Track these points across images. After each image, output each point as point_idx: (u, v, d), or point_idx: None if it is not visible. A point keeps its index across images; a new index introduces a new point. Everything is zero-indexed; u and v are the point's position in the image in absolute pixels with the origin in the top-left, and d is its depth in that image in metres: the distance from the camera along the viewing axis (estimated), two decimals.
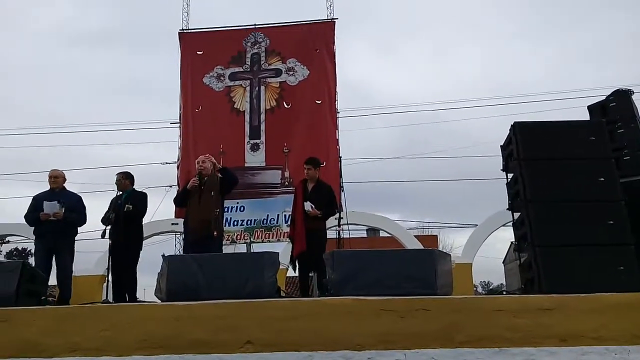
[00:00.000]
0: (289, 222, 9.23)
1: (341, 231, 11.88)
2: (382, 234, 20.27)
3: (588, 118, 6.03)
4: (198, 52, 13.32)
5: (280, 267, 6.02)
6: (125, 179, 7.18)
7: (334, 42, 12.92)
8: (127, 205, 6.87)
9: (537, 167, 4.87)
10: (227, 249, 11.53)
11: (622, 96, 5.94)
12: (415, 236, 18.40)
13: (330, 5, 13.18)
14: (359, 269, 4.34)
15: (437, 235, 30.24)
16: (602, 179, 4.86)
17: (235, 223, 11.91)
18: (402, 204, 51.18)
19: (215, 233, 6.24)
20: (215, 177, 6.66)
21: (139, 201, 7.06)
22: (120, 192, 7.06)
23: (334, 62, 12.83)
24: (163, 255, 4.60)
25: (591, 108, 6.08)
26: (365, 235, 26.86)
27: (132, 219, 6.88)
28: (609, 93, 6.13)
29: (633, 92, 6.12)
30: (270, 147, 12.48)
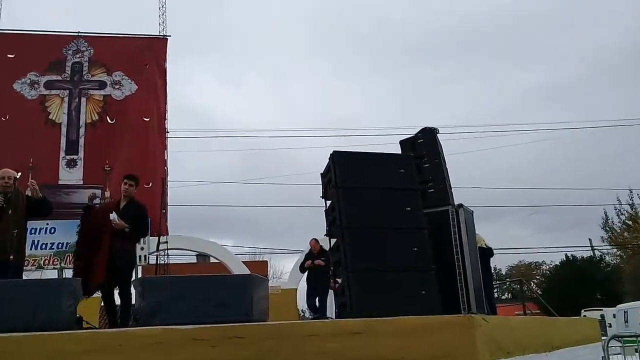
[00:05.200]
0: None
1: (164, 256, 11.37)
2: (213, 259, 19.87)
3: (400, 152, 6.53)
4: (9, 55, 11.97)
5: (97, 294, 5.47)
6: None
7: (165, 59, 12.48)
8: None
9: (351, 195, 5.10)
10: (33, 275, 10.32)
11: (429, 134, 6.52)
12: (245, 262, 18.34)
13: (163, 22, 12.79)
14: (172, 297, 4.10)
15: (267, 261, 30.45)
16: (408, 208, 5.25)
17: (44, 246, 10.69)
18: (237, 229, 50.85)
19: (11, 257, 5.49)
20: (18, 194, 5.89)
21: None
22: None
23: (165, 79, 12.39)
24: None
25: (403, 143, 6.58)
26: (195, 261, 26.06)
27: None
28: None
29: (439, 131, 6.76)
30: (89, 164, 11.53)
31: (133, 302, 5.61)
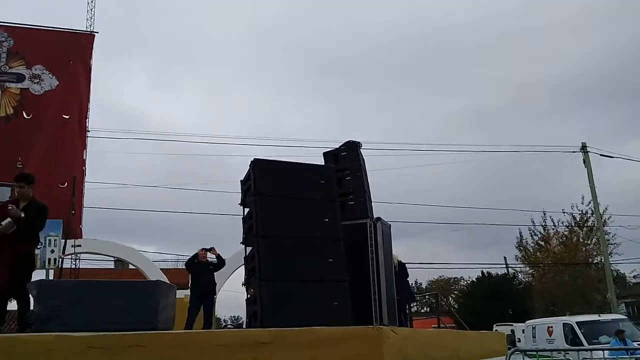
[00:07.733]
0: None
1: (75, 260, 10.84)
2: (132, 266, 19.17)
3: (323, 163, 6.55)
4: None
5: None
6: None
7: (91, 56, 11.99)
8: None
9: (269, 203, 5.05)
10: None
11: (352, 147, 6.59)
12: (166, 269, 17.78)
13: (91, 17, 12.30)
14: (70, 302, 3.88)
15: None
16: (326, 219, 5.26)
17: None
18: (162, 235, 49.28)
19: None
20: None
21: None
22: None
23: (89, 76, 11.88)
24: None
25: (326, 155, 6.62)
26: (113, 267, 25.04)
27: None
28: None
29: (362, 145, 6.84)
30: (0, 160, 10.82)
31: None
